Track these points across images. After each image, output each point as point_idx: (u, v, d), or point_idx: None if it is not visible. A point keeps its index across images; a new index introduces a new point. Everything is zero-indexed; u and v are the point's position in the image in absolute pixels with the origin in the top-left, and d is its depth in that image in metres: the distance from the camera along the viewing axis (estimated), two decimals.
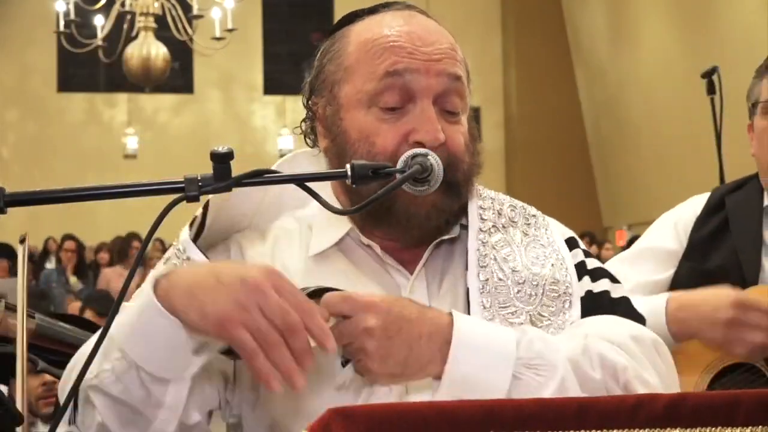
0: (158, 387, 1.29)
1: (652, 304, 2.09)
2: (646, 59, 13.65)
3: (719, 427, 0.99)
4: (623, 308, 1.52)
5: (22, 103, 15.67)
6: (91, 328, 2.42)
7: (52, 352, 2.18)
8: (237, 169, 1.27)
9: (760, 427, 0.99)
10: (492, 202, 1.56)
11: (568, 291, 1.48)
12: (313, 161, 1.59)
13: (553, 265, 1.50)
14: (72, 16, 10.10)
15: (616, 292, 1.54)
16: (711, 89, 3.24)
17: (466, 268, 1.48)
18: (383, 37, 1.48)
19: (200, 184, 1.25)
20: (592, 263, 1.56)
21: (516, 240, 1.52)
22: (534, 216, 1.58)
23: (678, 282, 2.26)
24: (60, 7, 10.13)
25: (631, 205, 14.67)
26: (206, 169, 1.28)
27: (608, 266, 2.30)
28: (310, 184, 1.34)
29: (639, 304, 2.07)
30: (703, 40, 11.63)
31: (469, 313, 1.42)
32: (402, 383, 1.34)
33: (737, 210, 2.29)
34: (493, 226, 1.53)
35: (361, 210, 1.37)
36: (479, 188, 1.57)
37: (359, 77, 1.47)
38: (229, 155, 1.25)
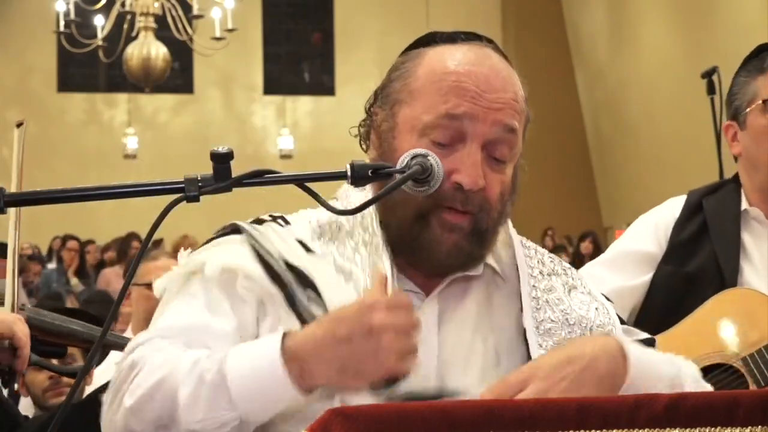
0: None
1: None
2: (646, 59, 13.63)
3: (719, 427, 0.99)
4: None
5: (22, 103, 15.65)
6: (96, 321, 2.42)
7: (44, 344, 2.17)
8: (237, 169, 1.27)
9: (759, 427, 0.99)
10: (535, 252, 1.63)
11: (612, 333, 1.54)
12: None
13: (597, 309, 1.57)
14: (72, 16, 10.11)
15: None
16: (711, 89, 3.25)
17: (521, 310, 1.53)
18: (452, 74, 1.50)
19: (200, 184, 1.25)
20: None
21: (559, 287, 1.58)
22: (569, 268, 1.66)
23: (657, 286, 2.27)
24: (60, 7, 10.13)
25: (631, 205, 14.63)
26: (206, 169, 1.28)
27: (587, 270, 2.35)
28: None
29: None
30: (703, 40, 11.62)
31: (528, 355, 1.47)
32: None
33: (715, 213, 2.29)
34: (540, 272, 1.59)
35: (359, 211, 1.39)
36: (522, 239, 1.63)
37: (420, 105, 1.51)
38: (229, 155, 1.25)
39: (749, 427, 0.98)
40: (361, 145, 1.62)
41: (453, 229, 1.48)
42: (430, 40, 1.58)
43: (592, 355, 1.33)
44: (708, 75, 3.25)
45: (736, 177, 2.36)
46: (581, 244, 10.35)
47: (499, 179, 1.52)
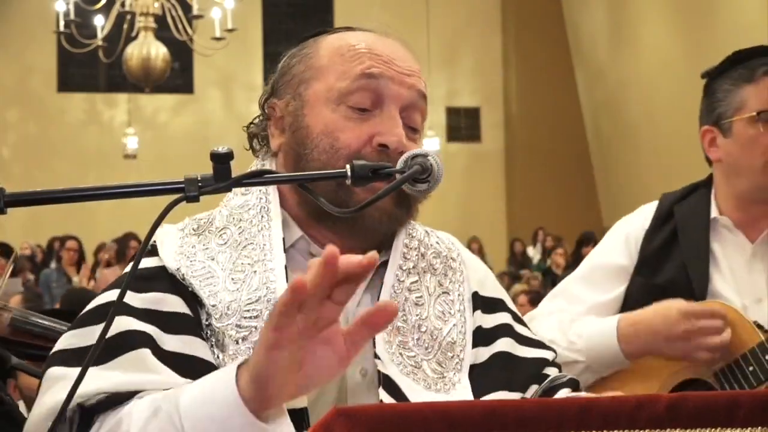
0: None
1: (604, 326, 2.15)
2: (646, 59, 13.65)
3: (719, 428, 0.99)
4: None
5: (22, 103, 15.68)
6: None
7: (32, 347, 2.15)
8: (237, 169, 1.27)
9: (759, 428, 0.99)
10: (419, 244, 1.57)
11: (461, 355, 1.51)
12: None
13: (455, 325, 1.53)
14: (72, 16, 10.11)
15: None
16: None
17: (377, 299, 1.48)
18: (359, 44, 1.52)
19: (200, 184, 1.24)
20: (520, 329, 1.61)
21: (430, 288, 1.54)
22: (453, 269, 1.59)
23: (630, 298, 2.25)
24: (60, 7, 10.13)
25: (631, 206, 14.57)
26: (206, 169, 1.28)
27: (565, 285, 2.35)
28: None
29: (592, 326, 2.15)
30: (703, 40, 11.63)
31: (374, 342, 1.43)
32: None
33: (685, 221, 2.27)
34: (414, 267, 1.54)
35: (360, 210, 1.36)
36: (415, 226, 1.59)
37: (332, 75, 1.50)
38: (229, 155, 1.25)
39: (749, 428, 0.98)
40: (252, 145, 1.60)
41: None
42: (321, 33, 1.59)
43: None
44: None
45: (707, 181, 2.33)
46: (584, 249, 10.32)
47: (416, 147, 1.50)
